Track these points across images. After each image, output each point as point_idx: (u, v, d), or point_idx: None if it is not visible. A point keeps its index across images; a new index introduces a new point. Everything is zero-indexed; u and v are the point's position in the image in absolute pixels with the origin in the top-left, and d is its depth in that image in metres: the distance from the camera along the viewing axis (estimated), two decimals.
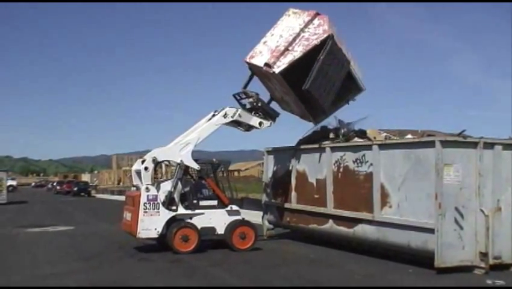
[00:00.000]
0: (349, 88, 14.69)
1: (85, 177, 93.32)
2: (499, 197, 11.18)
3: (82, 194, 57.09)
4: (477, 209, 10.89)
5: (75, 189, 58.66)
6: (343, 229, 13.39)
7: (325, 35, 13.54)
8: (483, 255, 10.77)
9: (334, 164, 13.71)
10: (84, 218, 25.76)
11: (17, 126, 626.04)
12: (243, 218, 14.26)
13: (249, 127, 15.00)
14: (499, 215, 11.13)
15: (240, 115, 14.41)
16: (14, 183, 69.56)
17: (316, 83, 13.47)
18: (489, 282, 10.11)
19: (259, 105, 14.72)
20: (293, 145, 15.75)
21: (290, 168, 15.71)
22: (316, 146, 14.79)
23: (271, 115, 14.94)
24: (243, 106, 14.89)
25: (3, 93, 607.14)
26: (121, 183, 77.72)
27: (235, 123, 14.74)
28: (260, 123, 14.68)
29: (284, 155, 16.27)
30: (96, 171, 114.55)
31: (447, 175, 10.70)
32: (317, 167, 14.48)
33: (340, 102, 14.90)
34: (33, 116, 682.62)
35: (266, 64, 13.71)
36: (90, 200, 49.59)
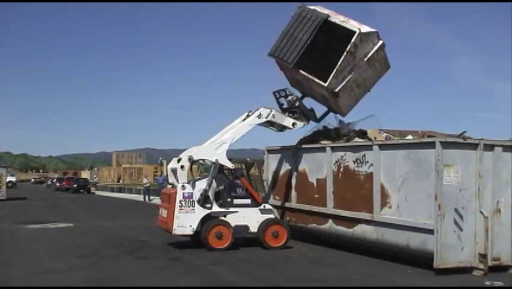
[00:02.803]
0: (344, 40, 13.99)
1: (85, 174, 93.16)
2: (499, 198, 11.21)
3: (82, 190, 56.93)
4: (477, 210, 10.91)
5: (75, 186, 58.39)
6: (342, 229, 13.40)
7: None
8: (483, 256, 10.79)
9: (334, 164, 13.72)
10: (83, 215, 25.74)
11: (17, 122, 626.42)
12: (276, 217, 14.66)
13: (282, 128, 15.21)
14: (498, 216, 11.16)
15: (273, 116, 14.68)
16: (13, 179, 69.61)
17: (279, 48, 14.22)
18: (488, 283, 10.12)
19: (297, 104, 14.88)
20: (294, 144, 15.77)
21: (291, 167, 15.73)
22: (317, 145, 14.81)
23: (306, 116, 15.10)
24: (280, 105, 15.13)
25: (4, 89, 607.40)
26: (121, 181, 77.69)
27: (268, 123, 15.00)
28: (293, 124, 14.97)
29: (284, 154, 16.29)
30: (95, 168, 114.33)
31: (447, 176, 10.71)
32: (317, 166, 14.49)
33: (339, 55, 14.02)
34: (33, 112, 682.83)
35: (270, 54, 14.40)
36: (90, 197, 49.53)
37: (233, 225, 13.78)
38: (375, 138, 13.76)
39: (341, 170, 13.49)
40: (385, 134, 14.33)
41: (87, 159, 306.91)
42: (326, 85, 13.84)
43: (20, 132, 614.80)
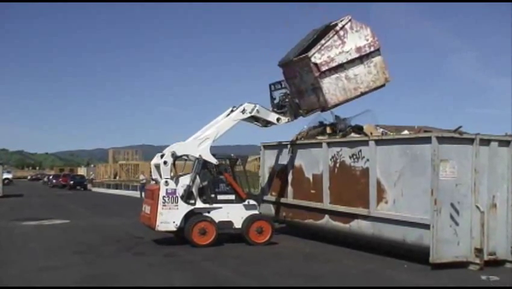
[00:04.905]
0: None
1: (81, 171, 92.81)
2: (495, 193, 11.24)
3: (78, 187, 56.77)
4: (473, 205, 10.94)
5: (71, 182, 58.19)
6: (338, 224, 13.42)
7: None
8: (478, 251, 10.83)
9: (331, 160, 13.72)
10: (80, 212, 25.69)
11: (14, 119, 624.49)
12: (260, 213, 14.55)
13: (266, 123, 15.17)
14: (494, 211, 11.19)
15: (258, 111, 14.65)
16: (9, 176, 69.41)
17: (286, 55, 15.11)
18: (483, 277, 10.16)
19: (287, 99, 15.03)
20: (290, 140, 15.76)
21: (287, 163, 15.73)
22: (313, 141, 14.81)
23: (294, 111, 15.13)
24: (272, 99, 15.27)
25: (0, 87, 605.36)
26: (117, 177, 77.59)
27: (253, 119, 14.97)
28: (278, 119, 14.96)
29: (280, 150, 16.28)
30: (92, 165, 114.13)
31: (443, 171, 10.73)
32: (313, 162, 14.50)
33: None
34: (29, 109, 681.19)
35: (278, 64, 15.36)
36: (86, 193, 49.42)
37: (217, 221, 13.66)
38: (371, 133, 13.78)
39: (338, 165, 13.49)
40: (381, 130, 14.34)
41: (83, 155, 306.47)
42: (308, 54, 13.99)
43: (16, 129, 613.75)
